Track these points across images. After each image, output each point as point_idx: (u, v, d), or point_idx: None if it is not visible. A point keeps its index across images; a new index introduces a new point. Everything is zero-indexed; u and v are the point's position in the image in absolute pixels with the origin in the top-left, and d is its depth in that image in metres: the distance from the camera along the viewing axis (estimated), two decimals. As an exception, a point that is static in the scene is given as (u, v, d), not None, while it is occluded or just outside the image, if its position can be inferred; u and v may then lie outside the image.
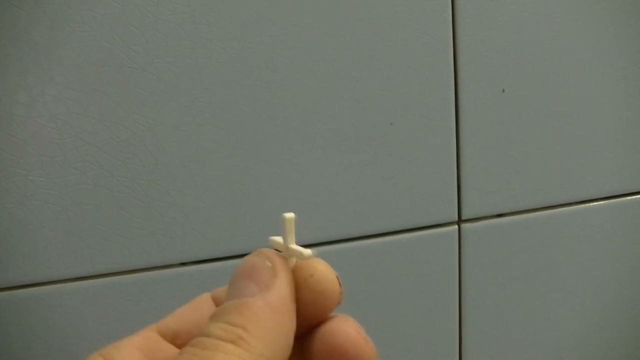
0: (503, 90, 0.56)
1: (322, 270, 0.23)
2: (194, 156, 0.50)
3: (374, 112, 0.53)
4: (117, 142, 0.48)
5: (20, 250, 0.48)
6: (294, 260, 0.24)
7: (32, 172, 0.47)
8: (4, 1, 0.44)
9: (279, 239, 0.24)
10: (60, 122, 0.47)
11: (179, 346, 0.24)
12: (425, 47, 0.53)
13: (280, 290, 0.22)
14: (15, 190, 0.47)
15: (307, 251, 0.23)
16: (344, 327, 0.23)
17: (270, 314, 0.21)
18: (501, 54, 0.55)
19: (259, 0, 0.50)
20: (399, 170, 0.55)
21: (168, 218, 0.51)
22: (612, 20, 0.58)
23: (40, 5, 0.45)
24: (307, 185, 0.53)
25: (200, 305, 0.26)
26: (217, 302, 0.26)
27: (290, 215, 0.24)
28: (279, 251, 0.24)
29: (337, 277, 0.24)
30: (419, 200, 0.56)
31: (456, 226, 0.58)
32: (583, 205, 0.61)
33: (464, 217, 0.58)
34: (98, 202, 0.49)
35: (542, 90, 0.57)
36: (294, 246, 0.24)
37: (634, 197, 0.63)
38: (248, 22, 0.50)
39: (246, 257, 0.23)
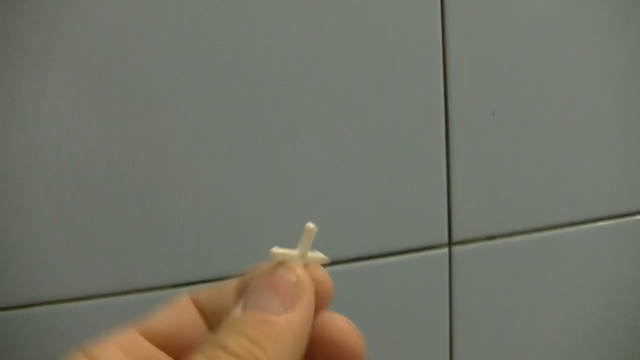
0: (493, 113, 0.56)
1: (320, 272, 0.24)
2: (186, 177, 0.51)
3: (362, 132, 0.54)
4: (110, 157, 0.49)
5: (13, 270, 0.48)
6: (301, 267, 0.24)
7: (27, 187, 0.48)
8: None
9: (284, 250, 0.25)
10: (54, 138, 0.48)
11: (161, 347, 0.25)
12: (415, 68, 0.54)
13: (305, 313, 0.22)
14: (9, 208, 0.47)
15: (323, 256, 0.25)
16: (335, 319, 0.24)
17: (291, 337, 0.21)
18: (492, 76, 0.56)
19: (252, 13, 0.50)
20: (389, 192, 0.55)
21: (160, 239, 0.51)
22: (607, 41, 0.58)
23: (37, 10, 0.46)
24: (294, 206, 0.53)
25: (182, 308, 0.26)
26: (199, 306, 0.26)
27: (312, 225, 0.25)
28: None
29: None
30: (409, 223, 0.56)
31: (447, 249, 0.58)
32: (576, 228, 0.61)
33: (454, 239, 0.58)
34: (90, 223, 0.49)
35: (533, 112, 0.57)
36: (310, 253, 0.25)
37: (628, 218, 0.62)
38: (236, 37, 0.50)
39: (271, 267, 0.23)
